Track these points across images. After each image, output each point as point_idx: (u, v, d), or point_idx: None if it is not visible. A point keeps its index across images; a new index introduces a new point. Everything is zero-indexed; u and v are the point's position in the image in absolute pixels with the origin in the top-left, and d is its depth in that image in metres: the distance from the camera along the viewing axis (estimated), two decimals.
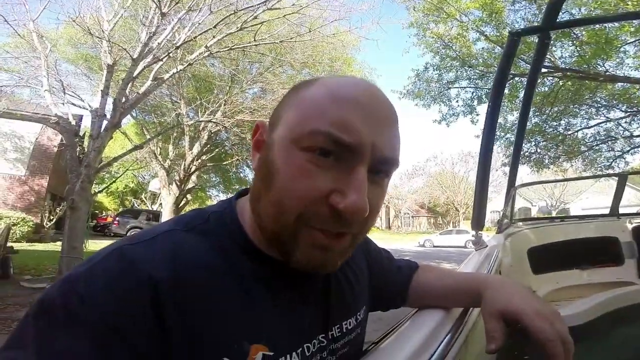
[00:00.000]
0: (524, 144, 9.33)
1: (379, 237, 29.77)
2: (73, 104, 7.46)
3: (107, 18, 6.54)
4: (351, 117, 0.35)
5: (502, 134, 9.27)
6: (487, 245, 1.42)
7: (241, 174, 14.70)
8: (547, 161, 9.75)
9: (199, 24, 6.45)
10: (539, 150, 9.62)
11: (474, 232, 1.64)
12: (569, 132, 9.23)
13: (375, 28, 7.71)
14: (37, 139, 11.86)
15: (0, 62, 7.86)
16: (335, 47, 8.12)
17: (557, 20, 1.72)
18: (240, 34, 6.58)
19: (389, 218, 40.53)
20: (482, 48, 8.43)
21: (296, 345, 0.42)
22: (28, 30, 6.79)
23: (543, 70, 6.75)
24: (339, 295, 0.50)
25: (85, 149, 5.73)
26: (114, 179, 17.12)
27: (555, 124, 9.16)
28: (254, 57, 8.37)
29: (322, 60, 9.20)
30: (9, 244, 5.85)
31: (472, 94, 9.22)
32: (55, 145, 11.80)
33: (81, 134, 7.10)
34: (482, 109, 9.15)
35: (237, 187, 14.07)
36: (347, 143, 0.34)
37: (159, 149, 11.87)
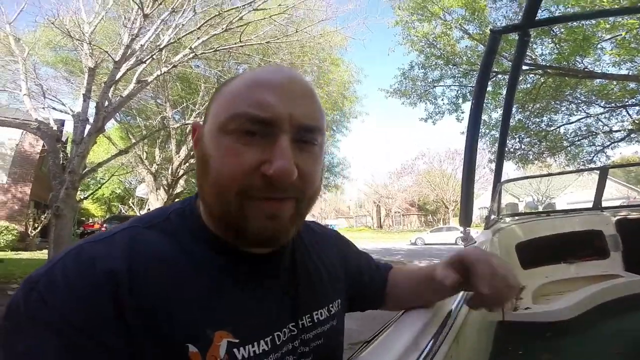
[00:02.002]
0: (508, 140, 9.54)
1: (370, 236, 29.89)
2: (54, 108, 7.23)
3: (88, 20, 6.38)
4: (265, 96, 0.38)
5: (487, 131, 9.46)
6: (475, 242, 1.44)
7: None
8: (531, 157, 9.98)
9: (183, 25, 6.34)
10: (523, 146, 9.84)
11: (462, 229, 1.65)
12: (552, 128, 9.46)
13: (361, 28, 7.74)
14: (17, 145, 11.53)
15: None
16: (322, 47, 8.10)
17: (536, 18, 1.77)
18: (225, 34, 6.49)
19: (380, 217, 40.72)
20: (466, 46, 8.59)
21: (265, 333, 0.42)
22: (5, 33, 6.58)
23: (524, 67, 6.90)
24: (308, 285, 0.50)
25: (69, 155, 5.59)
26: (99, 185, 16.69)
27: (537, 120, 9.39)
28: (241, 58, 8.29)
29: (310, 61, 9.19)
30: None
31: (457, 92, 9.41)
32: (37, 151, 11.48)
33: (64, 139, 6.91)
34: (467, 107, 9.32)
35: None
36: (263, 118, 0.37)
37: (145, 154, 11.63)
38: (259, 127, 0.37)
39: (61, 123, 9.38)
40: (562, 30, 6.73)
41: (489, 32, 1.74)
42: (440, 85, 9.53)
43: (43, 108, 6.52)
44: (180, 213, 0.44)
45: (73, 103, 7.51)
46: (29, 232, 11.00)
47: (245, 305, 0.41)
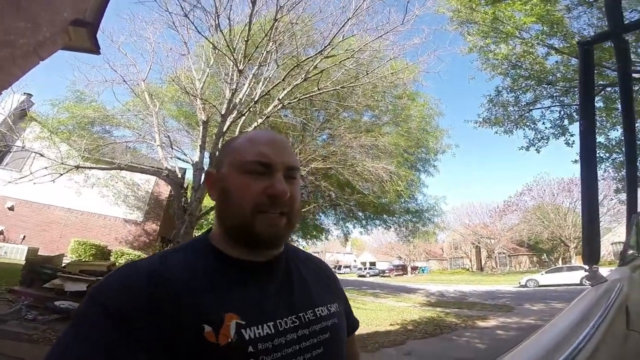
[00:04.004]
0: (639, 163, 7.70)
1: (467, 279, 26.61)
2: (178, 157, 8.52)
3: (197, 77, 7.50)
4: (264, 149, 0.62)
5: (608, 154, 7.97)
6: (606, 280, 1.25)
7: (317, 221, 13.60)
8: None
9: (270, 78, 7.14)
10: None
11: (587, 267, 1.46)
12: None
13: (433, 60, 7.60)
14: (152, 189, 13.79)
15: (124, 120, 9.32)
16: (395, 85, 8.13)
17: (629, 21, 1.57)
18: (305, 84, 7.18)
19: (480, 259, 36.44)
20: (557, 62, 7.66)
21: (266, 319, 0.56)
22: (141, 89, 7.95)
23: (636, 75, 5.73)
24: (302, 287, 0.67)
25: (189, 199, 6.62)
26: (210, 227, 18.92)
27: None
28: (319, 105, 8.85)
29: (385, 99, 9.25)
30: None
31: (560, 112, 8.27)
32: (165, 195, 13.73)
33: (185, 185, 8.14)
34: (576, 128, 8.11)
35: (314, 233, 13.57)
36: (266, 162, 0.60)
37: None
38: (263, 169, 0.60)
39: (184, 172, 11.16)
40: None
41: (576, 44, 1.63)
42: (538, 108, 8.56)
43: (171, 157, 7.80)
44: (197, 241, 0.65)
45: (192, 153, 8.77)
46: None
47: (248, 297, 0.57)
